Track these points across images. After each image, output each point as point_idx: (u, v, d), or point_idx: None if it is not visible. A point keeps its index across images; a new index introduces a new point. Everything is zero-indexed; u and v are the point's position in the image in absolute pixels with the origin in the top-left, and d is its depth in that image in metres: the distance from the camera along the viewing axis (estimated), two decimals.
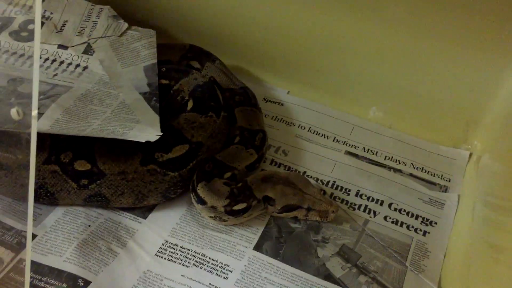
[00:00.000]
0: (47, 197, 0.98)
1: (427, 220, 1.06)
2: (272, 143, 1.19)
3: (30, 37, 1.18)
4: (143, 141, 0.89)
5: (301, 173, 1.13)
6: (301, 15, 1.23)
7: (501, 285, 0.84)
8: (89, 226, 0.98)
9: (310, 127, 1.25)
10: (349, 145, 1.21)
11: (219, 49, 1.30)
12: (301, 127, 1.25)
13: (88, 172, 0.95)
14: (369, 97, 1.28)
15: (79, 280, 0.89)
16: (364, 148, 1.21)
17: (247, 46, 1.34)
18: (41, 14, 0.51)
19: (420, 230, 1.04)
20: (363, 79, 1.27)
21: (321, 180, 1.12)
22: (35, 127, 0.60)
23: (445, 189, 1.13)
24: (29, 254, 0.74)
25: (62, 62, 1.14)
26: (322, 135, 1.23)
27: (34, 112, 0.57)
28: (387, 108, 1.27)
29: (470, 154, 1.20)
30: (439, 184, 1.14)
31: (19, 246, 0.94)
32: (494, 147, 1.13)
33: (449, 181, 1.15)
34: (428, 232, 1.04)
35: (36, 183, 0.97)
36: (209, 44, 1.30)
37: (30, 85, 1.04)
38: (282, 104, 1.31)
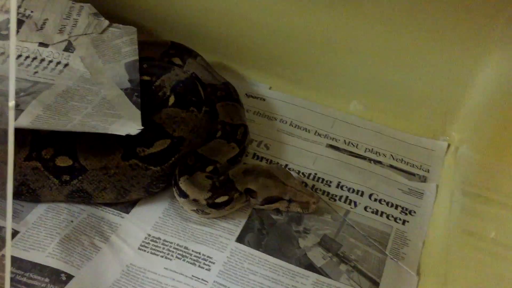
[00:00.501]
0: (29, 194, 0.99)
1: (407, 209, 1.08)
2: (254, 137, 1.20)
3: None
4: (124, 134, 0.90)
5: (283, 166, 1.14)
6: (281, 11, 1.25)
7: (479, 271, 0.86)
8: (72, 221, 0.99)
9: (291, 121, 1.26)
10: (330, 138, 1.23)
11: (200, 46, 1.31)
12: (282, 122, 1.26)
13: (70, 168, 0.96)
14: (350, 91, 1.30)
15: (61, 275, 0.89)
16: (345, 141, 1.23)
17: (229, 43, 1.36)
18: (16, 7, 0.52)
19: (400, 219, 1.06)
20: (343, 73, 1.28)
21: (303, 173, 1.14)
22: (13, 118, 0.61)
23: (424, 180, 1.16)
24: (9, 250, 0.74)
25: (43, 60, 1.14)
26: (303, 129, 1.25)
27: (11, 103, 0.58)
28: (368, 101, 1.29)
29: (448, 145, 1.23)
30: (418, 174, 1.17)
31: (1, 243, 0.94)
32: (471, 137, 1.16)
33: (428, 172, 1.17)
34: (408, 221, 1.06)
35: (17, 180, 0.97)
36: (191, 41, 1.31)
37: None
38: (264, 99, 1.32)
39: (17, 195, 0.99)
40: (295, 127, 1.25)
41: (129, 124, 0.94)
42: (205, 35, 1.35)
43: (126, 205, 1.03)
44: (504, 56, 1.05)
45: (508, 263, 0.76)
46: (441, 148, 1.22)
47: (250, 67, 1.38)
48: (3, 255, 0.91)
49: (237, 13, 1.29)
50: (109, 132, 0.92)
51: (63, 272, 0.90)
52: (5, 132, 0.92)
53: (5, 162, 0.94)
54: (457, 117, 1.21)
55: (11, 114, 0.61)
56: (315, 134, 1.24)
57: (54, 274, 0.89)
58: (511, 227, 0.79)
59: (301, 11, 1.22)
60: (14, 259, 0.90)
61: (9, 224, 0.69)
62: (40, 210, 1.00)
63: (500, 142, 0.96)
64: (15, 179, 0.96)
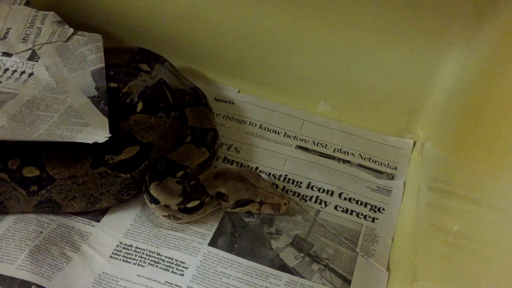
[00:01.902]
0: None
1: (376, 207, 1.11)
2: (224, 141, 1.21)
3: None
4: (91, 142, 0.90)
5: (253, 169, 1.15)
6: (247, 15, 1.26)
7: (446, 264, 0.89)
8: (41, 232, 0.97)
9: (261, 124, 1.27)
10: (300, 139, 1.25)
11: (168, 51, 1.31)
12: (252, 124, 1.27)
13: (37, 178, 0.95)
14: (317, 92, 1.32)
15: (32, 287, 0.88)
16: (314, 141, 1.25)
17: (196, 47, 1.36)
18: None
19: (369, 217, 1.08)
20: (310, 75, 1.30)
21: (273, 175, 1.15)
22: None
23: (391, 177, 1.18)
24: None
25: (6, 70, 1.13)
26: (273, 131, 1.26)
27: None
28: (335, 102, 1.31)
29: (414, 143, 1.26)
30: (386, 172, 1.19)
31: None
32: (435, 134, 1.19)
33: (395, 169, 1.20)
34: (377, 219, 1.08)
35: None
36: (158, 47, 1.31)
37: None
38: (233, 103, 1.33)
39: None
40: (264, 129, 1.27)
41: (96, 132, 0.94)
42: (172, 41, 1.35)
43: (97, 214, 1.02)
44: (464, 53, 1.09)
45: (472, 255, 0.79)
46: (407, 145, 1.25)
47: (218, 71, 1.39)
48: None
49: (204, 18, 1.30)
50: (76, 140, 0.91)
51: (34, 283, 0.88)
52: None
53: None
54: (421, 115, 1.24)
55: None
56: (284, 136, 1.26)
57: (25, 286, 0.88)
58: (473, 220, 0.82)
59: (267, 15, 1.24)
60: None
61: None
62: (8, 222, 0.98)
63: (462, 138, 0.99)
64: None
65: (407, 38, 1.14)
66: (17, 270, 0.90)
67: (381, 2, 1.11)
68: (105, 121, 0.99)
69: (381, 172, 1.19)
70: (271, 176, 1.15)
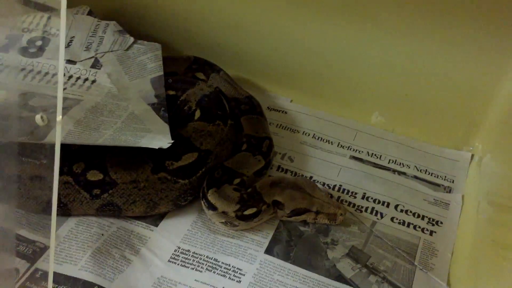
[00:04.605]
0: (60, 208, 1.00)
1: (433, 220, 1.08)
2: (278, 150, 1.22)
3: (38, 53, 1.21)
4: (156, 147, 0.92)
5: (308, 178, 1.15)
6: (302, 27, 1.26)
7: (509, 282, 0.86)
8: (102, 235, 1.00)
9: (314, 134, 1.27)
10: (353, 150, 1.24)
11: (222, 60, 1.33)
12: (305, 134, 1.27)
13: (101, 182, 0.97)
14: (371, 102, 1.31)
15: (95, 287, 0.90)
16: (368, 152, 1.23)
17: (251, 57, 1.38)
18: (65, 26, 0.54)
19: (427, 230, 1.06)
20: (364, 85, 1.29)
21: (328, 185, 1.15)
22: (60, 132, 0.62)
23: (449, 190, 1.16)
24: (51, 265, 0.75)
25: (70, 77, 1.17)
26: (326, 141, 1.26)
27: (59, 118, 0.59)
28: (389, 113, 1.30)
29: (472, 155, 1.23)
30: (443, 185, 1.17)
31: (34, 256, 0.96)
32: (495, 148, 1.16)
33: (453, 182, 1.18)
34: (435, 232, 1.06)
35: (47, 195, 0.98)
36: (213, 56, 1.33)
37: (41, 99, 1.07)
38: (285, 112, 1.33)
39: (47, 209, 1.00)
40: (318, 139, 1.26)
41: (158, 138, 0.96)
42: (227, 50, 1.37)
43: (155, 218, 1.04)
44: None
45: None
46: (465, 158, 1.23)
47: (271, 81, 1.39)
48: (36, 269, 0.93)
49: (259, 30, 1.31)
50: (140, 145, 0.93)
51: (96, 285, 0.91)
52: (33, 147, 0.94)
53: (40, 177, 0.96)
54: (480, 127, 1.21)
55: (59, 128, 0.62)
56: (338, 146, 1.25)
57: (88, 287, 0.90)
58: None
59: (322, 27, 1.24)
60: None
61: (53, 240, 0.70)
62: (70, 224, 1.01)
63: None
64: (45, 194, 0.98)
65: (467, 49, 1.12)
66: (80, 271, 0.93)
67: (441, 12, 1.09)
68: (166, 127, 1.01)
69: (438, 185, 1.17)
70: (325, 186, 1.14)
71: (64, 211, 1.01)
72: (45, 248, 0.96)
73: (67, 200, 0.99)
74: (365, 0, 1.15)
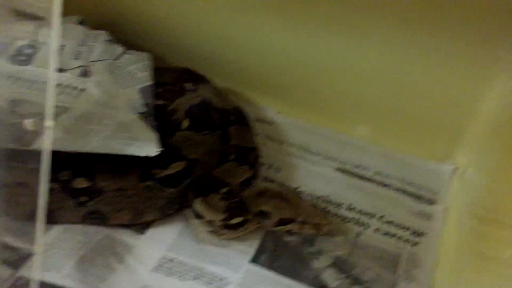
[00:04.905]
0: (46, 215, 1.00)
1: (417, 231, 1.10)
2: (265, 161, 1.23)
3: (26, 61, 1.21)
4: (144, 155, 0.92)
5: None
6: (288, 38, 1.28)
7: None
8: (87, 242, 1.00)
9: (300, 145, 1.29)
10: (339, 161, 1.25)
11: (211, 72, 1.34)
12: (292, 145, 1.29)
13: (87, 189, 0.98)
14: (358, 115, 1.33)
15: None
16: (354, 164, 1.25)
17: (239, 69, 1.39)
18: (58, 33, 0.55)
19: (410, 241, 1.08)
20: (351, 98, 1.31)
21: (313, 196, 1.16)
22: (50, 138, 0.63)
23: (433, 202, 1.18)
24: (37, 273, 0.75)
25: (59, 85, 1.17)
26: (312, 153, 1.27)
27: (49, 123, 0.60)
28: (375, 125, 1.32)
29: (456, 168, 1.25)
30: (426, 197, 1.19)
31: (18, 264, 0.95)
32: (478, 161, 1.18)
33: (436, 195, 1.20)
34: (419, 243, 1.08)
35: (33, 202, 0.98)
36: (202, 67, 1.34)
37: (30, 105, 1.07)
38: (272, 124, 1.35)
39: (33, 216, 1.00)
40: (304, 150, 1.28)
41: (147, 146, 0.97)
42: (216, 62, 1.38)
43: (141, 227, 1.04)
44: (510, 78, 1.09)
45: None
46: (448, 171, 1.25)
47: (259, 92, 1.41)
48: (20, 276, 0.93)
49: (248, 43, 1.33)
50: (128, 153, 0.94)
51: None
52: (20, 153, 0.94)
53: (26, 184, 0.96)
54: (464, 141, 1.23)
55: (49, 133, 0.62)
56: (324, 157, 1.26)
57: None
58: None
59: (309, 40, 1.26)
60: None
61: (40, 248, 0.70)
62: (55, 231, 1.01)
63: (508, 165, 0.99)
64: (31, 201, 0.98)
65: (450, 62, 1.14)
66: (64, 278, 0.92)
67: (423, 27, 1.12)
68: (154, 136, 1.01)
69: (422, 197, 1.18)
70: (311, 197, 1.15)
71: (50, 219, 1.01)
72: (29, 256, 0.96)
73: (53, 207, 0.99)
74: (352, 13, 1.17)
